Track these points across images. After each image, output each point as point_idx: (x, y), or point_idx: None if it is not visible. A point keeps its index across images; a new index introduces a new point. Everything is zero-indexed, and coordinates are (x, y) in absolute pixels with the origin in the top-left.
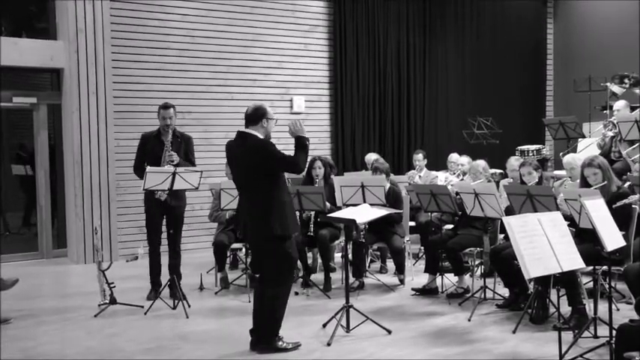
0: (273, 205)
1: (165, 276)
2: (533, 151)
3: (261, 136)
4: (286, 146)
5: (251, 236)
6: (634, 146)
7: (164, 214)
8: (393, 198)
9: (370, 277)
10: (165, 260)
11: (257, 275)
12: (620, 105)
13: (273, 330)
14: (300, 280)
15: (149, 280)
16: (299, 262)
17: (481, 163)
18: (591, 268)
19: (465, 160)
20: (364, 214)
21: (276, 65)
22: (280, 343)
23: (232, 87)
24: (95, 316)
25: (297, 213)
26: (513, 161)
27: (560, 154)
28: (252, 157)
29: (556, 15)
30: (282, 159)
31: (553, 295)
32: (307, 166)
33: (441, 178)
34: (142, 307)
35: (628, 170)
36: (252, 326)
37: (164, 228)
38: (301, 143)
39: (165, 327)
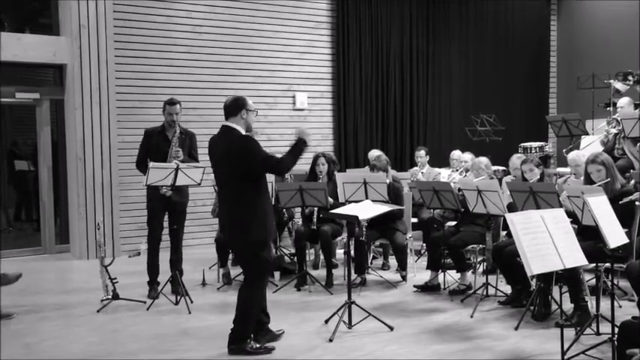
0: (254, 210)
1: (165, 272)
2: (535, 148)
3: (243, 130)
4: (289, 142)
5: (229, 239)
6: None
7: (167, 210)
8: (393, 194)
9: (372, 273)
10: (165, 256)
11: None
12: (623, 102)
13: (243, 331)
14: (296, 280)
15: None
16: (295, 259)
17: (483, 160)
18: (594, 265)
19: (467, 156)
20: (366, 210)
21: (279, 62)
22: (250, 346)
23: (236, 83)
24: (98, 311)
25: (299, 208)
26: (515, 159)
27: (563, 150)
28: (234, 156)
29: (560, 13)
30: (265, 159)
31: (555, 292)
32: (311, 162)
33: (443, 175)
34: (145, 302)
35: (631, 167)
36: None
37: (166, 224)
38: (297, 145)
39: (168, 322)
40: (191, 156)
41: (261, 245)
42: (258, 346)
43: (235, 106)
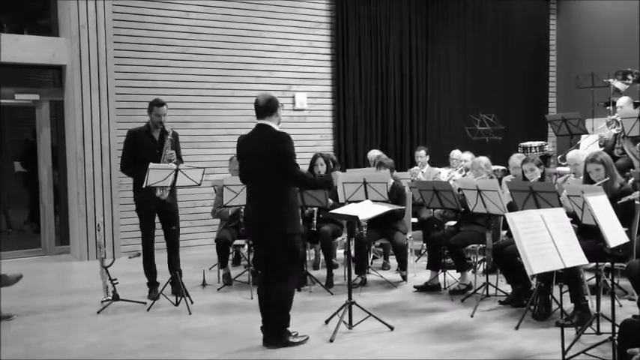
0: (287, 202)
1: (164, 273)
2: (535, 147)
3: (277, 127)
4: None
5: (262, 230)
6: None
7: (158, 212)
8: (396, 194)
9: (373, 273)
10: (162, 257)
11: (259, 272)
12: (623, 101)
13: (283, 324)
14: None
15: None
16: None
17: (483, 159)
18: (594, 264)
19: (467, 156)
20: (367, 210)
21: (278, 62)
22: (291, 338)
23: (235, 83)
24: (98, 312)
25: (299, 209)
26: (515, 158)
27: (562, 155)
28: (273, 152)
29: (559, 12)
30: (293, 166)
31: (556, 291)
32: (309, 162)
33: (443, 174)
34: (145, 303)
35: (631, 166)
36: (261, 323)
37: (158, 225)
38: (326, 182)
39: (168, 323)
40: (177, 157)
41: (295, 235)
42: (299, 337)
43: (271, 107)
